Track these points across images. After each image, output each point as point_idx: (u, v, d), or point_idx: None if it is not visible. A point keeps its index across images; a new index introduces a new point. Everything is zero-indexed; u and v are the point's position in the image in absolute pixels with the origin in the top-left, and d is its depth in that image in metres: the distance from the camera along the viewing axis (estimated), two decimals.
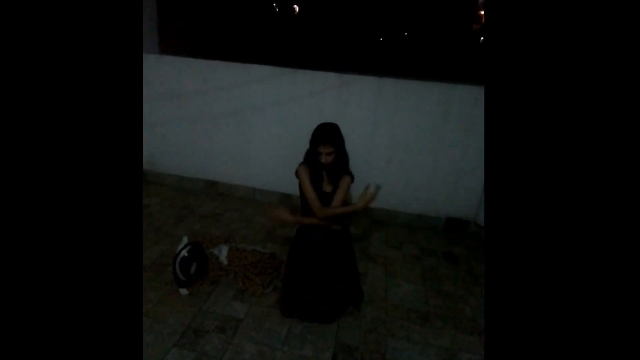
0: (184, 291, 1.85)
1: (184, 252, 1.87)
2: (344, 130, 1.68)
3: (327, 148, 1.60)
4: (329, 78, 2.69)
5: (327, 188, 1.72)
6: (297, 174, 1.71)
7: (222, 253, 2.07)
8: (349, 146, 1.76)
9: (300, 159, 1.73)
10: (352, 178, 1.72)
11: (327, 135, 1.61)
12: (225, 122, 2.98)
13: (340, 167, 1.70)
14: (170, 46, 3.26)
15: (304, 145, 1.69)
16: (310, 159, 1.68)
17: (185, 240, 2.02)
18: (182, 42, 3.47)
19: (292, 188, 3.10)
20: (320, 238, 1.76)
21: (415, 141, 2.73)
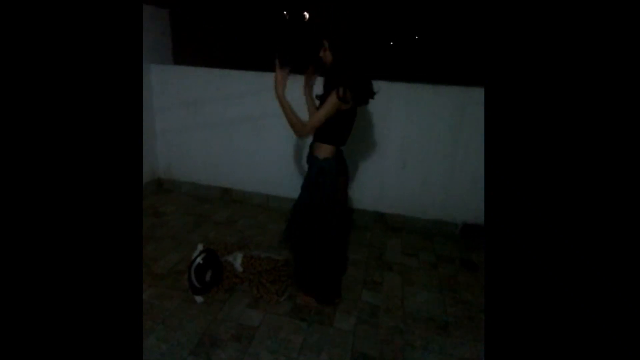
0: (199, 299, 1.86)
1: (199, 260, 1.88)
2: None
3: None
4: None
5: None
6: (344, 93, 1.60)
7: (237, 260, 2.08)
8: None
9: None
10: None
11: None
12: (239, 130, 3.01)
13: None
14: (185, 57, 3.32)
15: None
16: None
17: (200, 247, 2.04)
18: (196, 53, 3.54)
19: None
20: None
21: (429, 146, 2.69)
